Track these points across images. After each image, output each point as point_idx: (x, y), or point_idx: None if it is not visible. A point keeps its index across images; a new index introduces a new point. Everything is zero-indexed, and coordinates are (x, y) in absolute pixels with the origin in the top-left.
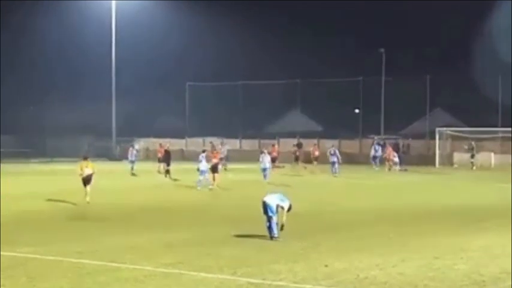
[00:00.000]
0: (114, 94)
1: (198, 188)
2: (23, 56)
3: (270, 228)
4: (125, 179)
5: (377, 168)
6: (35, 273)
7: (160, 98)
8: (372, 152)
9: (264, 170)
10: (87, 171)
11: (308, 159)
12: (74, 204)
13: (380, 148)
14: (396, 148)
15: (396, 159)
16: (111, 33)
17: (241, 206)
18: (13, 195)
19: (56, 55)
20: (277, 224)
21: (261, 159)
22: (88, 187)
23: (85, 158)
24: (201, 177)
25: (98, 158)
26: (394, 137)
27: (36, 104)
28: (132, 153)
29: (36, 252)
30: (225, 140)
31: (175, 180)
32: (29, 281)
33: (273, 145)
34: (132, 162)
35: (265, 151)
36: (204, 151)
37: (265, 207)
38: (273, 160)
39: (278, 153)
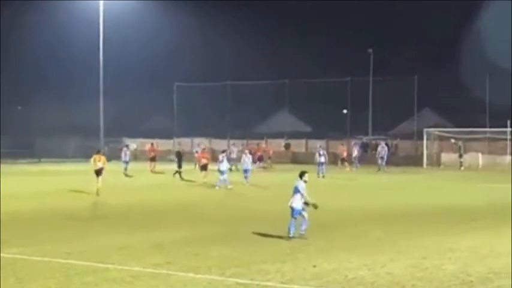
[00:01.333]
0: (102, 94)
1: (217, 187)
2: (11, 55)
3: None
4: (116, 179)
5: (355, 169)
6: (23, 274)
7: (149, 99)
8: (355, 153)
9: (245, 171)
10: (99, 165)
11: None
12: (64, 204)
13: (357, 148)
14: (364, 148)
15: (356, 160)
16: (99, 33)
17: (230, 206)
18: (2, 196)
19: (44, 55)
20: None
21: (242, 160)
22: (100, 178)
23: (98, 152)
24: (222, 178)
25: (87, 159)
26: (383, 137)
27: (24, 104)
28: (126, 153)
29: (24, 252)
30: (214, 141)
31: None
32: (18, 282)
33: (258, 144)
34: (126, 162)
35: (247, 151)
36: (223, 151)
37: (293, 211)
38: (260, 159)
39: (264, 152)
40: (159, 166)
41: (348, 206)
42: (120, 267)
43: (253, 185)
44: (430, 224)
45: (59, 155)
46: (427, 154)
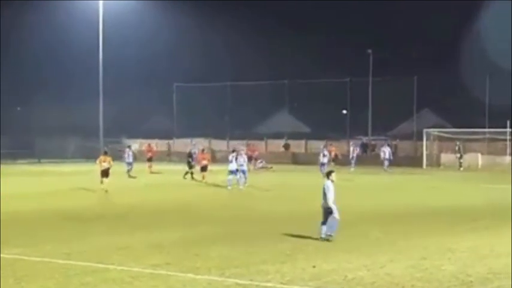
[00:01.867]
0: (102, 95)
1: (229, 187)
2: (11, 55)
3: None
4: (117, 180)
5: (352, 169)
6: (23, 274)
7: (149, 99)
8: (354, 153)
9: (243, 172)
10: (105, 165)
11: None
12: (63, 204)
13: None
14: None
15: (353, 161)
16: (99, 33)
17: (230, 206)
18: (2, 196)
19: (44, 55)
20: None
21: (237, 161)
22: (106, 179)
23: (105, 153)
24: (231, 177)
25: (87, 160)
26: (383, 137)
27: (24, 104)
28: (129, 154)
29: (23, 253)
30: (213, 141)
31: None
32: (17, 283)
33: (248, 144)
34: (130, 163)
35: (242, 152)
36: (233, 151)
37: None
38: (249, 159)
39: (252, 152)
40: (157, 166)
41: (347, 206)
42: (119, 267)
43: (253, 185)
44: (429, 224)
45: (59, 155)
46: (427, 154)
